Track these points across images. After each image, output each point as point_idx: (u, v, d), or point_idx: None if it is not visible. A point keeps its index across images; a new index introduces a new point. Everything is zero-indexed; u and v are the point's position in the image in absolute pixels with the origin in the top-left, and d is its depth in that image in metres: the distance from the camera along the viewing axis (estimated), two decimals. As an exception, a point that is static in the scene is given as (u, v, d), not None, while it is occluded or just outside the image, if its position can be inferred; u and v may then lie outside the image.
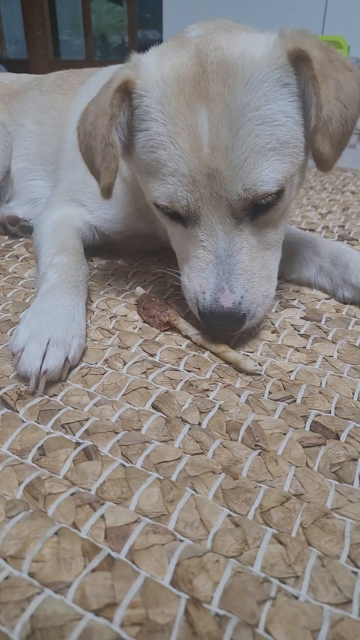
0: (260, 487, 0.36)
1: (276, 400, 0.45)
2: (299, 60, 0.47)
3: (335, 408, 0.44)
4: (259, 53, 0.47)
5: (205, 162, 0.46)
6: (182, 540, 0.32)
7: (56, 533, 0.32)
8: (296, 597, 0.29)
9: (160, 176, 0.49)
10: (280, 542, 0.32)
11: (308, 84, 0.47)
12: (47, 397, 0.45)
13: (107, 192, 0.54)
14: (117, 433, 0.40)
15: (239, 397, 0.45)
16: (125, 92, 0.50)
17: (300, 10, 2.09)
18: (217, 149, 0.46)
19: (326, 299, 0.65)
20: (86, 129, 0.55)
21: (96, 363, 0.50)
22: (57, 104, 0.88)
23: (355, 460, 0.38)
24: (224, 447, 0.39)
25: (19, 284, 0.68)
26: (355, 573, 0.30)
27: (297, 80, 0.48)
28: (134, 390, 0.46)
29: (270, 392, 0.46)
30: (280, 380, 0.48)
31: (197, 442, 0.40)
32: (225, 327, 0.50)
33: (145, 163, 0.51)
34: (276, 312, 0.61)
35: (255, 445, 0.39)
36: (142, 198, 0.67)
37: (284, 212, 0.53)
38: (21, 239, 0.85)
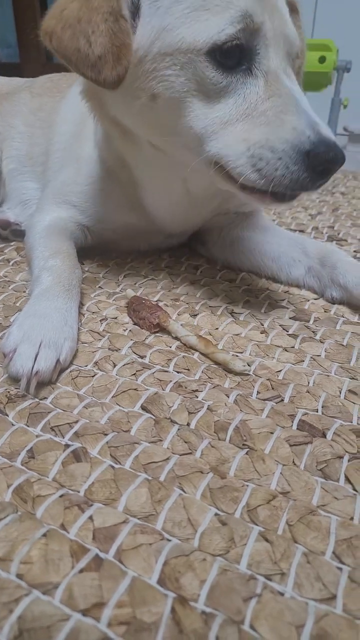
0: (247, 485, 0.36)
1: (264, 399, 0.46)
2: (289, 8, 0.54)
3: (322, 407, 0.45)
4: None
5: None
6: (169, 540, 0.32)
7: (44, 535, 0.32)
8: (282, 594, 0.29)
9: (221, 5, 0.46)
10: (267, 540, 0.32)
11: None
12: (37, 400, 0.45)
13: (120, 79, 0.48)
14: (106, 435, 0.41)
15: (228, 397, 0.46)
16: None
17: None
18: None
19: (315, 299, 0.65)
20: (69, 16, 0.49)
21: (86, 365, 0.50)
22: (46, 107, 0.89)
23: (341, 457, 0.39)
24: (212, 446, 0.40)
25: (10, 287, 0.68)
26: (340, 569, 0.31)
27: None
28: (124, 392, 0.46)
29: (258, 392, 0.47)
30: (268, 380, 0.48)
31: (186, 442, 0.40)
32: (337, 161, 0.47)
33: (189, 10, 0.47)
34: (265, 312, 0.62)
35: (243, 445, 0.40)
36: (131, 188, 0.67)
37: None
38: (12, 243, 0.86)
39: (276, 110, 0.48)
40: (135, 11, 0.50)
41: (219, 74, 0.48)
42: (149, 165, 0.63)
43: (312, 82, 1.74)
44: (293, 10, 0.58)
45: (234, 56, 0.48)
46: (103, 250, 0.79)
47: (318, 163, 0.46)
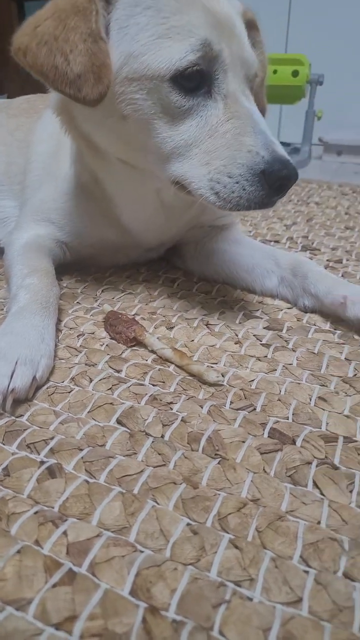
0: (219, 494, 0.37)
1: (237, 409, 0.47)
2: (249, 25, 0.60)
3: (293, 414, 0.46)
4: None
5: (225, 22, 0.52)
6: (142, 551, 0.33)
7: (18, 551, 0.33)
8: (250, 599, 0.30)
9: (183, 34, 0.49)
10: (236, 547, 0.33)
11: (255, 47, 0.61)
12: (13, 418, 0.45)
13: (101, 97, 0.50)
14: (81, 450, 0.41)
15: (202, 408, 0.47)
16: None
17: (264, 29, 2.17)
18: (226, 18, 0.52)
19: (288, 308, 0.67)
20: (44, 33, 0.50)
21: (63, 381, 0.51)
22: (23, 127, 0.90)
23: (309, 463, 0.40)
24: (185, 457, 0.41)
25: (-12, 306, 0.69)
26: (307, 572, 0.32)
27: None
28: (100, 406, 0.47)
29: (231, 402, 0.48)
30: (241, 389, 0.50)
31: (160, 454, 0.41)
32: (291, 177, 0.50)
33: (154, 37, 0.50)
34: (240, 323, 0.63)
35: (215, 454, 0.41)
36: (105, 203, 0.69)
37: None
38: (-9, 261, 0.86)
39: (235, 132, 0.51)
40: (106, 35, 0.52)
41: (181, 98, 0.51)
42: (121, 180, 0.65)
43: (286, 95, 1.79)
44: (253, 27, 0.62)
45: (195, 80, 0.51)
46: (82, 265, 0.80)
47: (273, 180, 0.50)
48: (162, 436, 0.43)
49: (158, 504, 0.36)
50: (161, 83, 0.51)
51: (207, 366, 0.53)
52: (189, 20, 0.50)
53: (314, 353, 0.56)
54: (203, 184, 0.52)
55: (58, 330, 0.61)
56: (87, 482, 0.38)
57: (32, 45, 0.51)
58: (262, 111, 0.64)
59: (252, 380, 0.51)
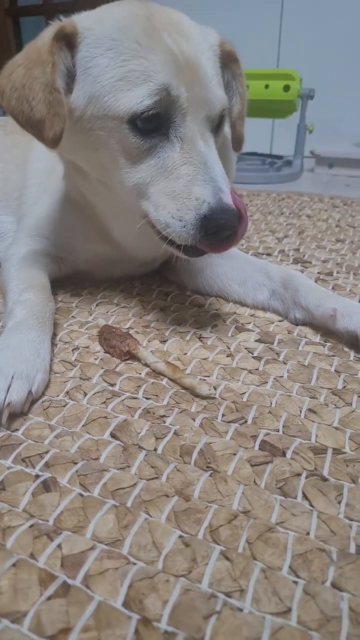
0: (210, 507, 0.38)
1: (229, 422, 0.48)
2: (228, 57, 0.62)
3: (283, 426, 0.47)
4: (198, 27, 0.60)
5: (188, 63, 0.53)
6: (135, 563, 0.34)
7: (14, 564, 0.33)
8: (240, 610, 0.31)
9: (141, 78, 0.52)
10: (227, 559, 0.34)
11: (235, 79, 0.64)
12: (8, 432, 0.46)
13: (56, 141, 0.55)
14: (76, 463, 0.42)
15: (194, 421, 0.48)
16: (64, 38, 0.54)
17: (255, 44, 2.21)
18: (190, 60, 0.54)
19: (279, 321, 0.68)
20: (16, 80, 0.55)
21: (58, 395, 0.52)
22: (20, 144, 0.92)
23: (299, 475, 0.41)
24: (178, 470, 0.42)
25: (-16, 320, 0.70)
26: (296, 582, 0.32)
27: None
28: (94, 420, 0.48)
29: (223, 415, 0.49)
30: (233, 402, 0.51)
31: (152, 467, 0.42)
32: (226, 226, 0.52)
33: (114, 80, 0.52)
34: (232, 336, 0.65)
35: (207, 467, 0.42)
36: (97, 219, 0.71)
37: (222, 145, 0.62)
38: (-13, 275, 0.87)
39: (186, 180, 0.53)
40: (72, 76, 0.56)
41: (139, 140, 0.54)
42: (105, 199, 0.67)
43: (278, 110, 1.82)
44: (232, 59, 0.63)
45: (153, 122, 0.54)
46: (77, 279, 0.81)
47: (210, 226, 0.53)
48: (155, 449, 0.44)
49: (151, 516, 0.37)
50: (120, 124, 0.54)
51: (200, 379, 0.54)
52: (149, 65, 0.52)
53: (305, 365, 0.57)
54: (162, 221, 0.55)
55: (53, 344, 0.62)
56: (81, 495, 0.39)
57: (7, 90, 0.55)
58: (240, 140, 0.68)
59: (244, 393, 0.52)
